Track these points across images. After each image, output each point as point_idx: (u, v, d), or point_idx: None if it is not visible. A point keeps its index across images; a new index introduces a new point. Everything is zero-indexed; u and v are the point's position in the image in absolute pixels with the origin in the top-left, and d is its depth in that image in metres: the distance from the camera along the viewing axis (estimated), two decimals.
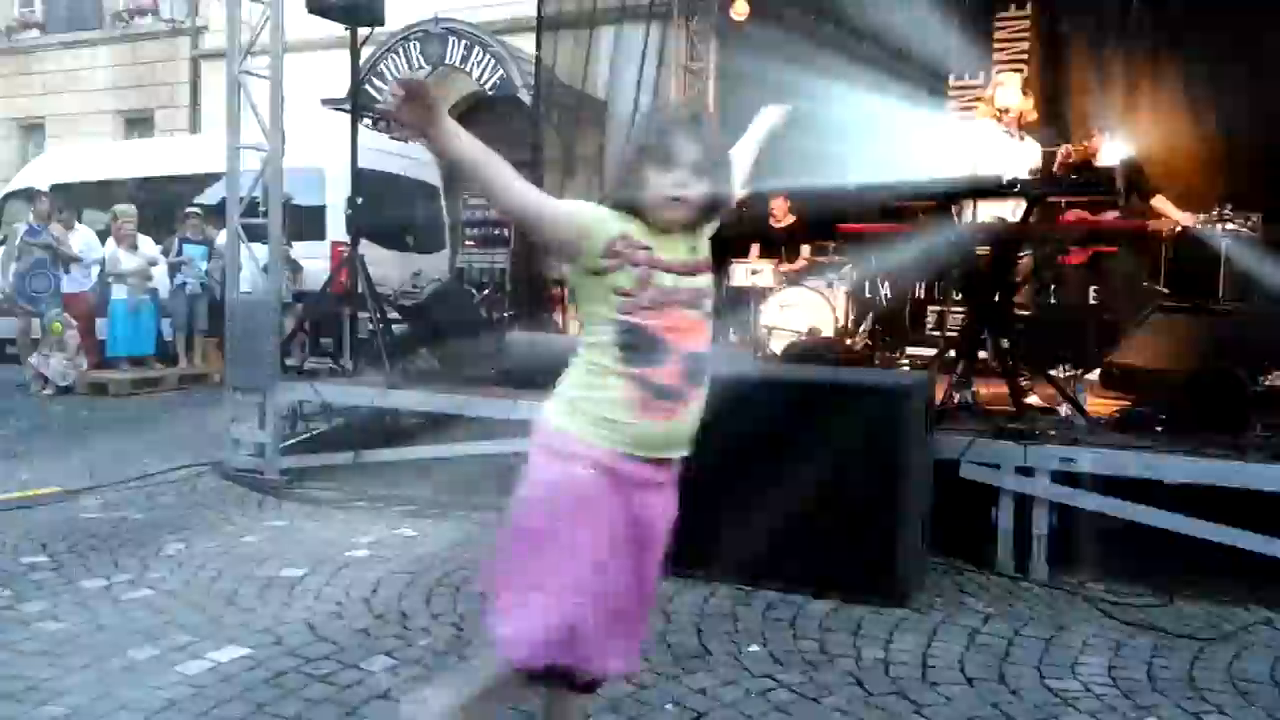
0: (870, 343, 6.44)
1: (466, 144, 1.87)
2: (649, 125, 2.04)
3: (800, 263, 7.70)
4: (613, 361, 1.92)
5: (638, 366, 1.91)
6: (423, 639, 3.22)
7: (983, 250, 5.29)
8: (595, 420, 1.92)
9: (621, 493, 1.93)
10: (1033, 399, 5.08)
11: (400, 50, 12.04)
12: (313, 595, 3.63)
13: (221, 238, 7.65)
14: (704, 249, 2.03)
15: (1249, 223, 6.79)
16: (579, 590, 1.90)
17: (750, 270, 7.17)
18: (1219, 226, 6.36)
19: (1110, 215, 6.23)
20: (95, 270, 9.84)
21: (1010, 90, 6.03)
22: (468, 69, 11.87)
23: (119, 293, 9.50)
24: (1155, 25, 8.03)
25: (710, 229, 2.06)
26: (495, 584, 2.02)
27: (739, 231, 7.59)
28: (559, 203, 1.99)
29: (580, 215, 1.94)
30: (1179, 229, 6.86)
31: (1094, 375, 5.92)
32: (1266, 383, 5.50)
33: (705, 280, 2.00)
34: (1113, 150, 6.64)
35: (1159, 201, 6.02)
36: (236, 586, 3.71)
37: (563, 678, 2.03)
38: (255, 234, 5.90)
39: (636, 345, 1.91)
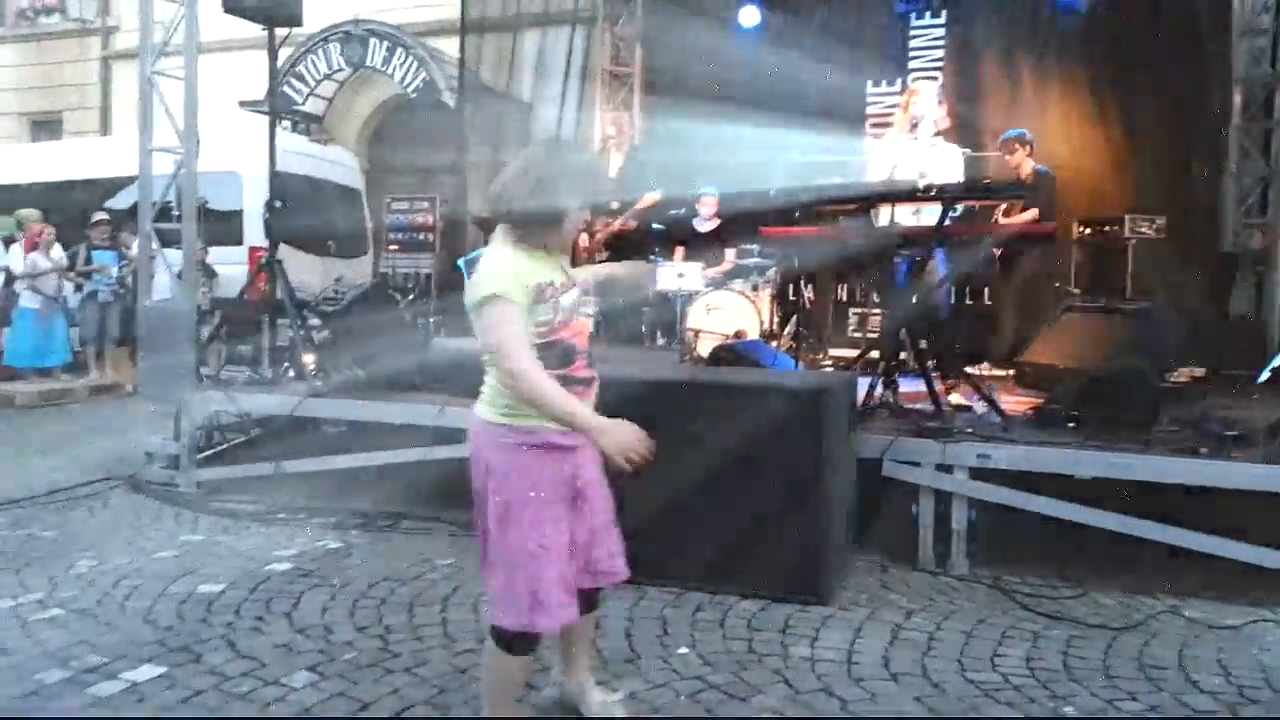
0: (795, 344, 6.51)
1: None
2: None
3: (726, 265, 7.76)
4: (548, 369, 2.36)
5: (562, 368, 2.37)
6: (347, 653, 3.17)
7: (900, 253, 5.40)
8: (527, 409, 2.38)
9: (566, 462, 2.41)
10: (951, 397, 5.21)
11: (320, 51, 11.82)
12: (232, 611, 3.54)
13: (134, 244, 7.43)
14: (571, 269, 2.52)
15: (1154, 226, 7.05)
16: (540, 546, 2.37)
17: (677, 273, 7.19)
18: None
19: (1023, 219, 6.42)
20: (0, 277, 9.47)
21: (925, 98, 6.17)
22: (389, 71, 11.70)
23: (29, 301, 9.15)
24: (1064, 35, 8.30)
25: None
26: None
27: (665, 234, 7.63)
28: (519, 339, 2.32)
29: (515, 319, 2.31)
30: (1086, 232, 7.10)
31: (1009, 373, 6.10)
32: (1172, 379, 5.72)
33: (582, 293, 2.53)
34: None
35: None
36: (152, 604, 3.60)
37: None
38: (169, 239, 5.74)
39: (555, 354, 2.38)
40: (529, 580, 2.28)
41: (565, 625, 2.42)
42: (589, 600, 2.55)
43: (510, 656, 2.35)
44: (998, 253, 6.61)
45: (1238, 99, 8.02)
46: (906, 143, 5.70)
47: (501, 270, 2.30)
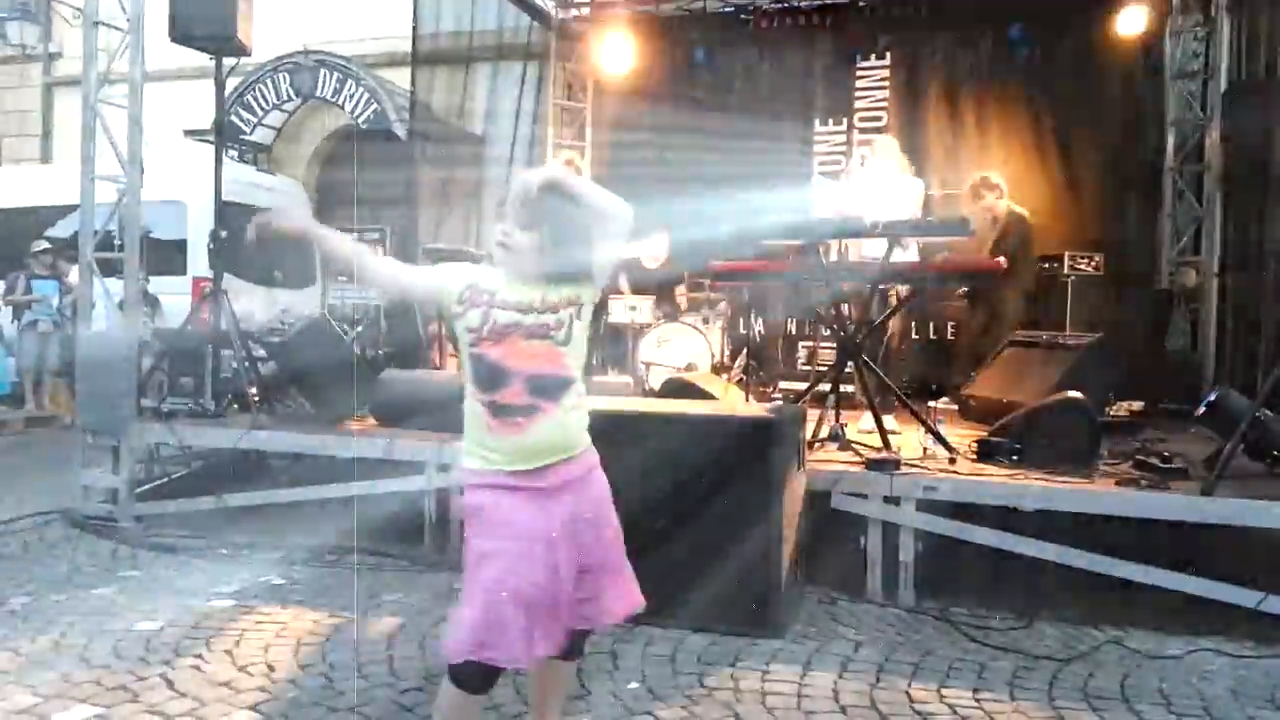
0: (744, 377, 6.57)
1: (335, 242, 2.46)
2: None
3: (677, 300, 7.81)
4: (472, 392, 2.25)
5: (490, 392, 2.21)
6: (290, 691, 3.10)
7: (848, 288, 5.48)
8: (476, 447, 2.24)
9: (523, 500, 2.21)
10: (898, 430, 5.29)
11: (268, 81, 11.76)
12: (171, 649, 3.45)
13: (75, 273, 7.29)
14: (559, 293, 2.28)
15: (1092, 263, 7.23)
16: (486, 591, 2.16)
17: (628, 306, 7.22)
18: None
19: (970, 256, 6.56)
20: None
21: (888, 143, 6.34)
22: (340, 102, 11.67)
23: None
24: (1005, 78, 8.53)
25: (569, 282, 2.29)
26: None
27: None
28: (419, 271, 2.41)
29: (435, 276, 2.33)
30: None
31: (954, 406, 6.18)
32: (1111, 412, 5.85)
33: (557, 317, 2.26)
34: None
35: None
36: (87, 642, 3.50)
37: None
38: (111, 269, 5.64)
39: (482, 373, 2.22)
40: (484, 611, 2.17)
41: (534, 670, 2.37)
42: (567, 647, 2.35)
43: (457, 690, 2.29)
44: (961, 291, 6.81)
45: (1171, 142, 8.29)
46: (872, 172, 5.83)
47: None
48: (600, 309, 6.70)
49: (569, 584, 2.24)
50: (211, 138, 6.60)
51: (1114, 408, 5.97)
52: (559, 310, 2.26)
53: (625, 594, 2.38)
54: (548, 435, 2.24)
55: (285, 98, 11.86)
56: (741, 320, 7.84)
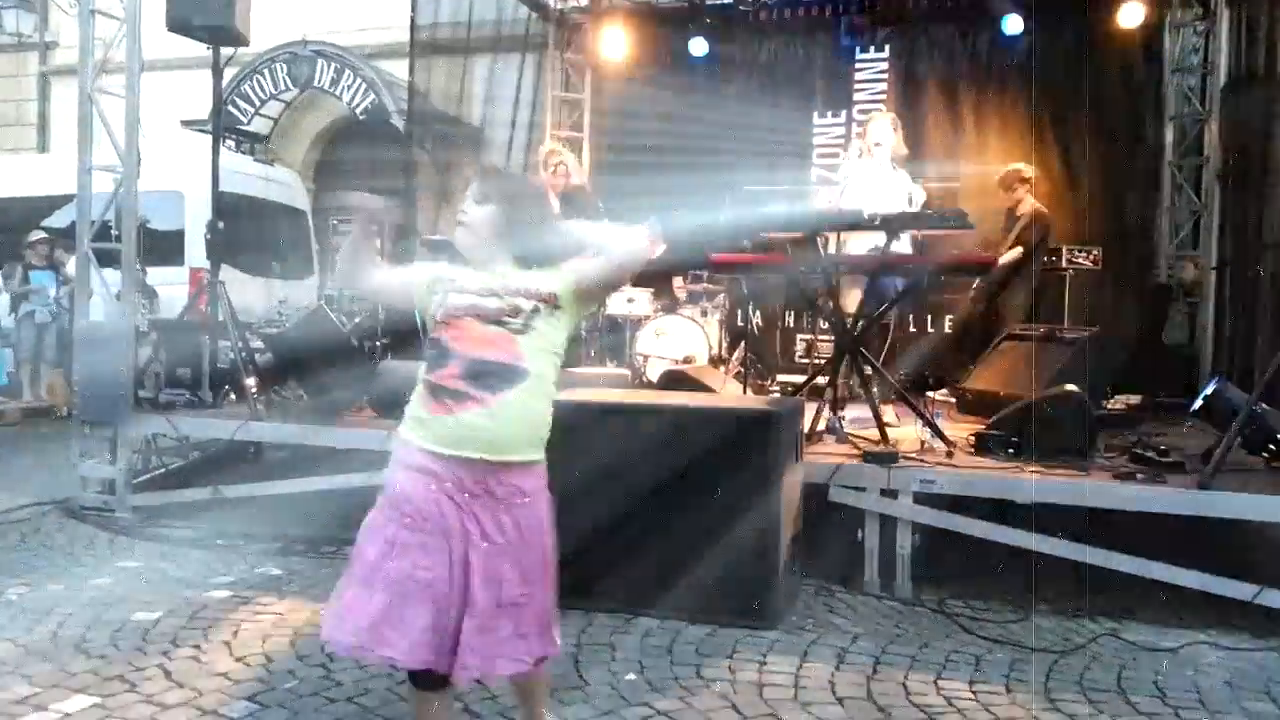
0: (742, 369, 6.57)
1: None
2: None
3: (675, 291, 7.80)
4: (423, 370, 2.26)
5: (431, 372, 2.23)
6: (287, 682, 3.10)
7: (846, 281, 5.48)
8: (413, 420, 2.25)
9: (445, 494, 2.17)
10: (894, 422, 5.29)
11: (266, 71, 11.73)
12: (169, 639, 3.45)
13: (72, 264, 7.29)
14: (526, 279, 2.29)
15: (1090, 256, 7.24)
16: (394, 581, 2.14)
17: (626, 299, 7.22)
18: None
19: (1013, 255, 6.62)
20: None
21: (882, 125, 6.29)
22: (337, 92, 11.64)
23: None
24: (1003, 70, 8.51)
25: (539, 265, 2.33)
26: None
27: None
28: (390, 271, 2.54)
29: (402, 274, 2.46)
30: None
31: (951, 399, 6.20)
32: (1109, 406, 5.86)
33: (514, 302, 2.24)
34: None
35: None
36: (85, 632, 3.50)
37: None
38: (108, 259, 5.63)
39: (432, 354, 2.25)
40: (386, 604, 2.15)
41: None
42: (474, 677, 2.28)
43: (411, 686, 2.29)
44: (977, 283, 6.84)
45: (1170, 135, 8.28)
46: (865, 165, 5.81)
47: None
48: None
49: (479, 602, 2.14)
50: (209, 128, 6.59)
51: (1111, 401, 5.98)
52: (522, 297, 2.24)
53: (549, 640, 2.31)
54: (475, 426, 2.16)
55: (283, 88, 11.84)
56: (739, 312, 7.84)
